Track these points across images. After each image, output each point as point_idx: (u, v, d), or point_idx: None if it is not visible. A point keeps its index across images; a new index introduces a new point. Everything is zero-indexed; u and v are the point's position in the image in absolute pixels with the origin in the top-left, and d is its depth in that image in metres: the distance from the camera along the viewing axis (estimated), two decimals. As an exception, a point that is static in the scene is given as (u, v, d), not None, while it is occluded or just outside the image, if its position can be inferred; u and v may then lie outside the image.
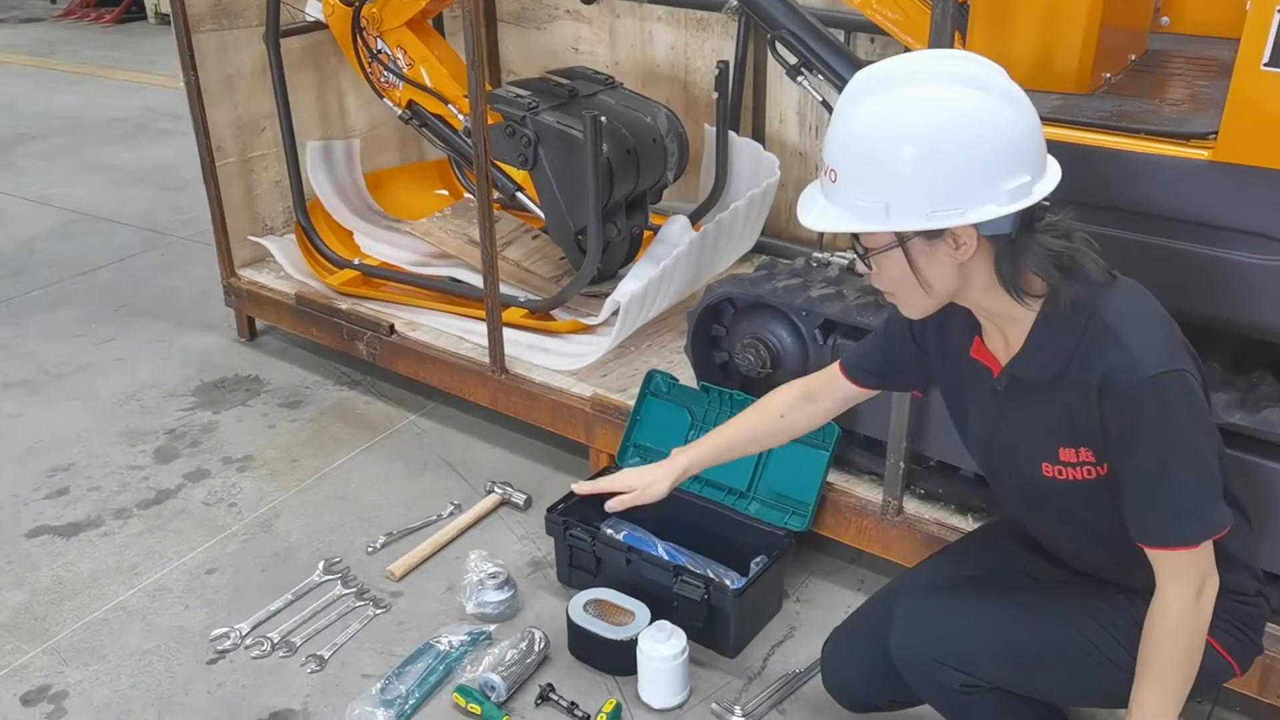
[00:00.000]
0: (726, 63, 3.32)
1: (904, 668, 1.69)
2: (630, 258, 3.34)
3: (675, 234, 3.15)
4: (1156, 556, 1.47)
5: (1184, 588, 1.46)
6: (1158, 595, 1.48)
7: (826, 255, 2.67)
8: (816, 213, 1.48)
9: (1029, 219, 1.43)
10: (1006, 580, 1.77)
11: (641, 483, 1.87)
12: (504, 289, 3.22)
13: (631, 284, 2.93)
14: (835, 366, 1.85)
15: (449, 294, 3.31)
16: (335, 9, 3.39)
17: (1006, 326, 1.55)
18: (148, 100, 6.69)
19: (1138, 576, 1.51)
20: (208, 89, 3.33)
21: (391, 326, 3.15)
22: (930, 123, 1.37)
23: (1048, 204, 1.44)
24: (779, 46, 2.72)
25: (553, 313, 3.18)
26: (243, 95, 3.46)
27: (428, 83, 3.31)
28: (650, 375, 2.60)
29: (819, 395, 1.86)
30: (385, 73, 3.38)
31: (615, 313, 2.98)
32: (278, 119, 3.39)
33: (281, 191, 3.62)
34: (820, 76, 2.70)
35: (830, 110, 2.83)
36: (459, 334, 3.13)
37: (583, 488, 1.93)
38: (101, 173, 5.37)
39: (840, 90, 2.63)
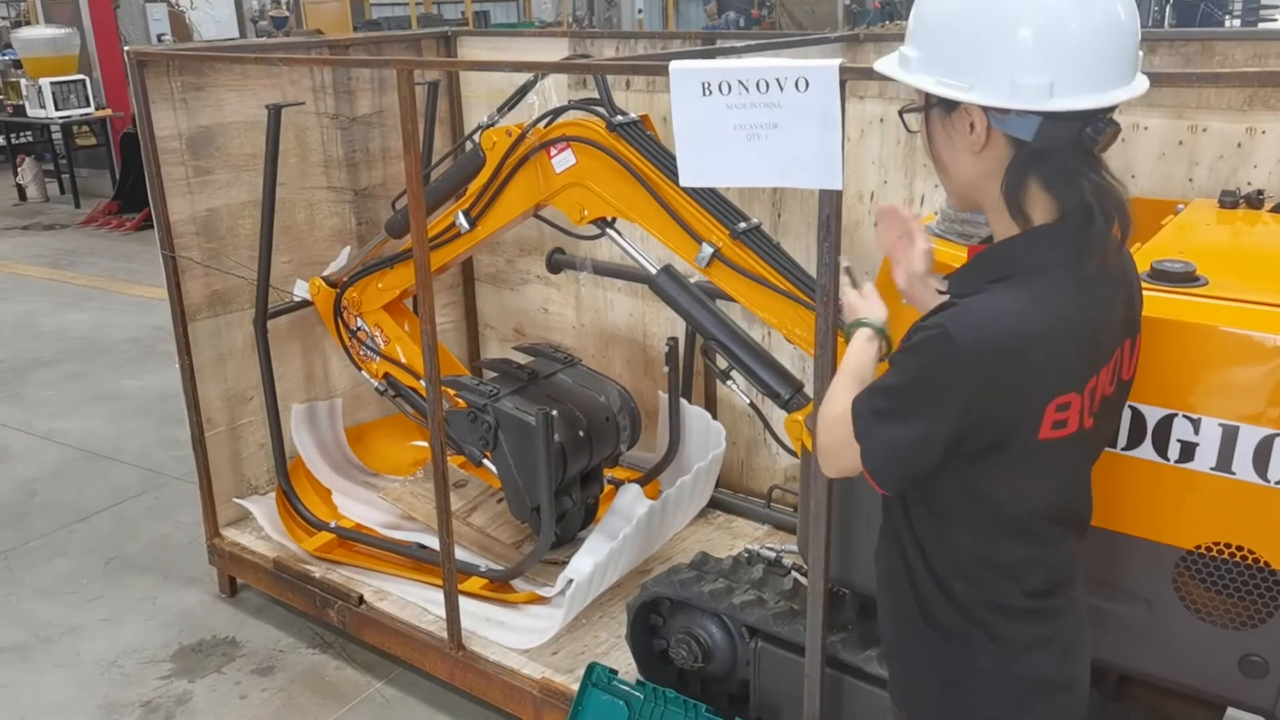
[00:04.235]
0: (675, 339, 3.61)
1: None
2: (587, 522, 3.56)
3: (628, 505, 3.37)
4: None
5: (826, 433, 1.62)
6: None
7: (757, 547, 2.89)
8: (892, 61, 1.52)
9: (1063, 135, 1.41)
10: None
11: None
12: (466, 556, 3.45)
13: (584, 561, 3.13)
14: None
15: (418, 560, 3.51)
16: (321, 289, 3.73)
17: None
18: (158, 319, 7.06)
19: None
20: (200, 368, 3.63)
21: (360, 597, 3.35)
22: None
23: (1100, 129, 1.41)
24: (710, 352, 3.00)
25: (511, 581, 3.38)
26: (233, 370, 3.76)
27: (402, 359, 3.61)
28: (591, 667, 2.78)
29: None
30: (363, 348, 3.68)
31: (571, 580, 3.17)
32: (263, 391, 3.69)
33: (267, 453, 3.87)
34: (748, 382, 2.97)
35: (757, 411, 3.11)
36: (424, 605, 3.32)
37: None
38: (108, 402, 5.69)
39: (768, 396, 2.91)
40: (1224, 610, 1.90)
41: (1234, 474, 1.81)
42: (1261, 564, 1.83)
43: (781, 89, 1.93)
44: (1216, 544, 1.86)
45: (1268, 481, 1.78)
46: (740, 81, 1.95)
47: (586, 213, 3.01)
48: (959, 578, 1.63)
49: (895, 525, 1.71)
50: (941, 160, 1.53)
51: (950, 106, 1.47)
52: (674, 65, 2.00)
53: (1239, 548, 1.84)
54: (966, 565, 1.62)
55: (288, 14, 19.67)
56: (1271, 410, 1.76)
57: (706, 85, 1.99)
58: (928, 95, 1.49)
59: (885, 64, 1.54)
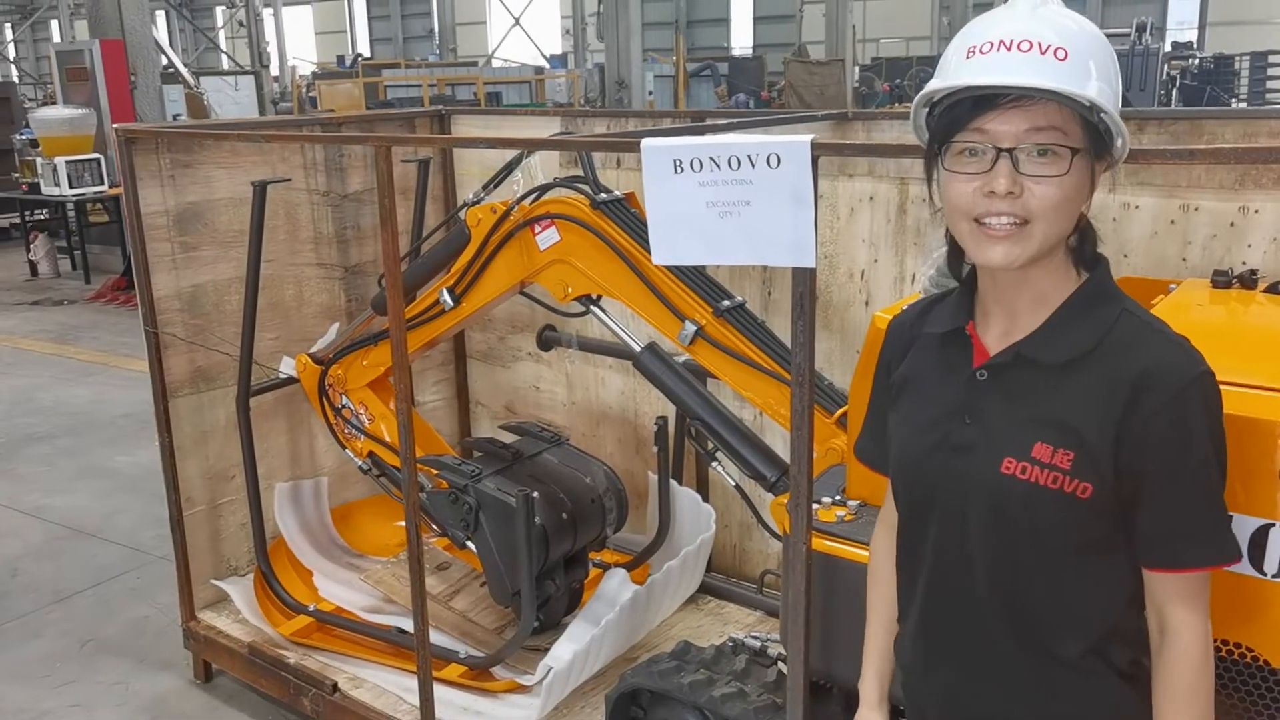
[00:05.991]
0: (665, 419, 3.53)
1: None
2: (572, 607, 3.44)
3: (613, 590, 3.26)
4: (1169, 585, 1.43)
5: (1200, 618, 1.41)
6: (1171, 639, 1.43)
7: (742, 636, 2.78)
8: (1059, 78, 1.36)
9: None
10: None
11: None
12: (446, 642, 3.34)
13: (564, 649, 3.02)
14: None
15: (397, 645, 3.40)
16: (307, 366, 3.68)
17: (1025, 307, 1.50)
18: (156, 394, 7.04)
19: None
20: (181, 446, 3.58)
21: (335, 685, 3.24)
22: None
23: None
24: (697, 433, 2.93)
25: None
26: (215, 448, 3.69)
27: (386, 438, 3.55)
28: (567, 763, 2.66)
29: (891, 519, 1.75)
30: (348, 426, 3.62)
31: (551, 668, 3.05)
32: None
33: (248, 532, 3.79)
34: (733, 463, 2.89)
35: (743, 494, 3.03)
36: (400, 693, 3.19)
37: None
38: (98, 478, 5.62)
39: (753, 478, 2.82)
40: (1225, 711, 1.79)
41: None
42: (1261, 662, 1.72)
43: (754, 165, 1.88)
44: (1214, 641, 1.76)
45: (1264, 575, 1.69)
46: (711, 158, 1.91)
47: (570, 290, 2.97)
48: (1119, 640, 1.53)
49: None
50: (1067, 208, 1.43)
51: (1104, 153, 1.45)
52: (645, 142, 1.97)
53: (1236, 645, 1.74)
54: (1129, 620, 1.53)
55: (316, 94, 20.17)
56: (1267, 499, 1.67)
57: (678, 162, 1.95)
58: (1089, 140, 1.43)
59: (1093, 92, 1.40)
